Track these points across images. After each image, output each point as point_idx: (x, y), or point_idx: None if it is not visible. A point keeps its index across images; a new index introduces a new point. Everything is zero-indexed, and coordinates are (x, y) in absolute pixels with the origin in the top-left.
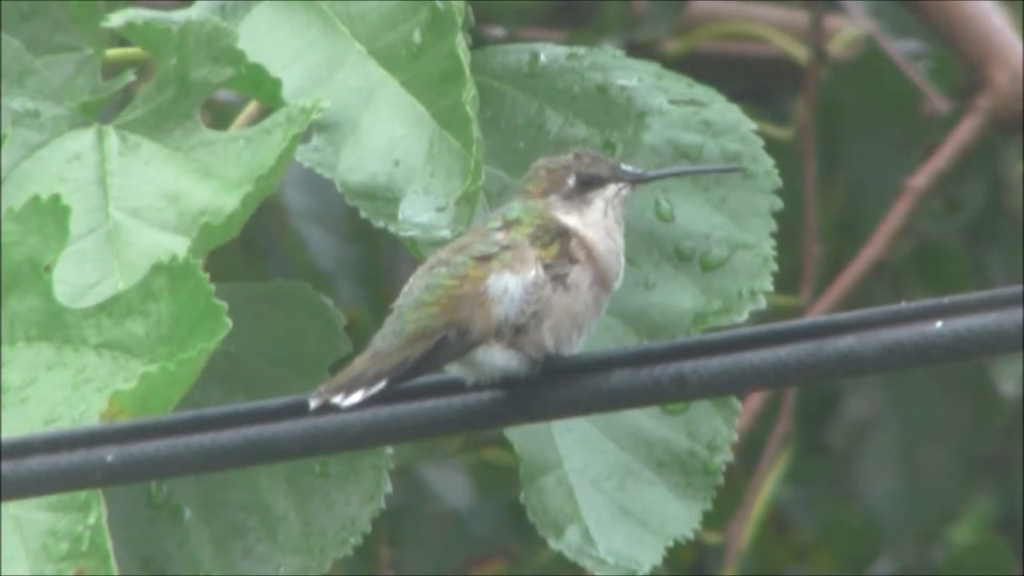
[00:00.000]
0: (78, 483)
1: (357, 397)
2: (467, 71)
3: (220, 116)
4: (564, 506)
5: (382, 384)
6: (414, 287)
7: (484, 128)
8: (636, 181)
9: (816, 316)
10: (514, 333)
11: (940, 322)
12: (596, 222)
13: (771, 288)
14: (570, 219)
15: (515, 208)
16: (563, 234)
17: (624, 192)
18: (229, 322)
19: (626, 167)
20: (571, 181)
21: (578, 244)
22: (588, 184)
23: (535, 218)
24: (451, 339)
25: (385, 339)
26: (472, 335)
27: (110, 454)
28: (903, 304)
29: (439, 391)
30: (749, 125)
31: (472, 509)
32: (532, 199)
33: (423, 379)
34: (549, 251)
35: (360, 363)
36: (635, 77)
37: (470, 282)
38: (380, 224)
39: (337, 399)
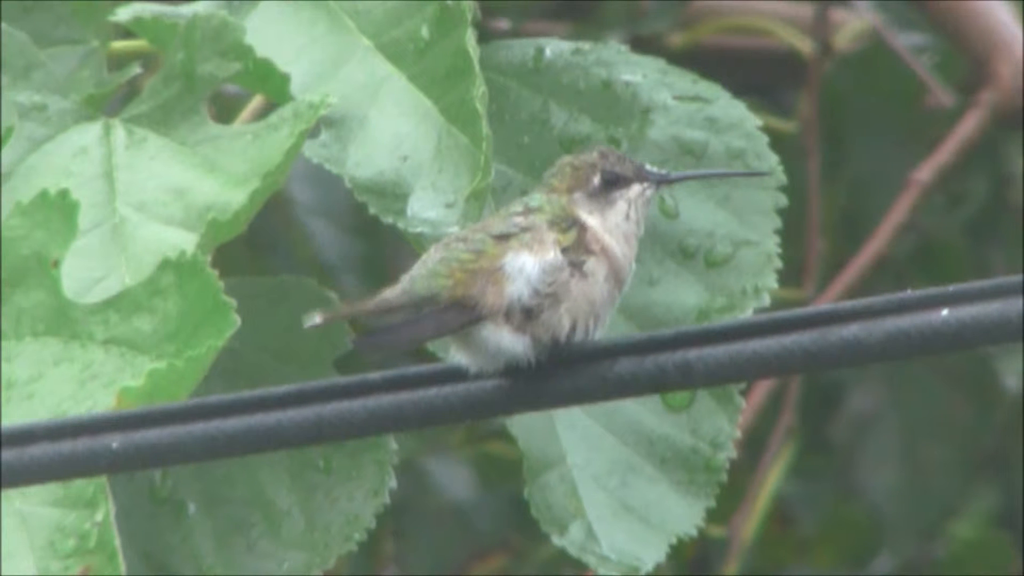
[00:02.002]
0: (83, 471)
1: (338, 318)
2: (476, 67)
3: (225, 109)
4: (567, 503)
5: (369, 309)
6: (429, 259)
7: (488, 123)
8: (661, 182)
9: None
10: (525, 317)
11: (945, 310)
12: (616, 225)
13: (775, 285)
14: (591, 218)
15: (537, 198)
16: (580, 226)
17: (648, 193)
18: (237, 319)
19: (651, 168)
20: (596, 180)
21: (593, 238)
22: (613, 183)
23: (556, 208)
24: (458, 310)
25: (393, 291)
26: (482, 310)
27: (115, 441)
28: (908, 293)
29: (442, 379)
30: (754, 122)
31: (475, 502)
32: (556, 194)
33: (426, 367)
34: (567, 236)
35: (363, 302)
36: (640, 73)
37: (487, 258)
38: (389, 220)
39: (323, 319)
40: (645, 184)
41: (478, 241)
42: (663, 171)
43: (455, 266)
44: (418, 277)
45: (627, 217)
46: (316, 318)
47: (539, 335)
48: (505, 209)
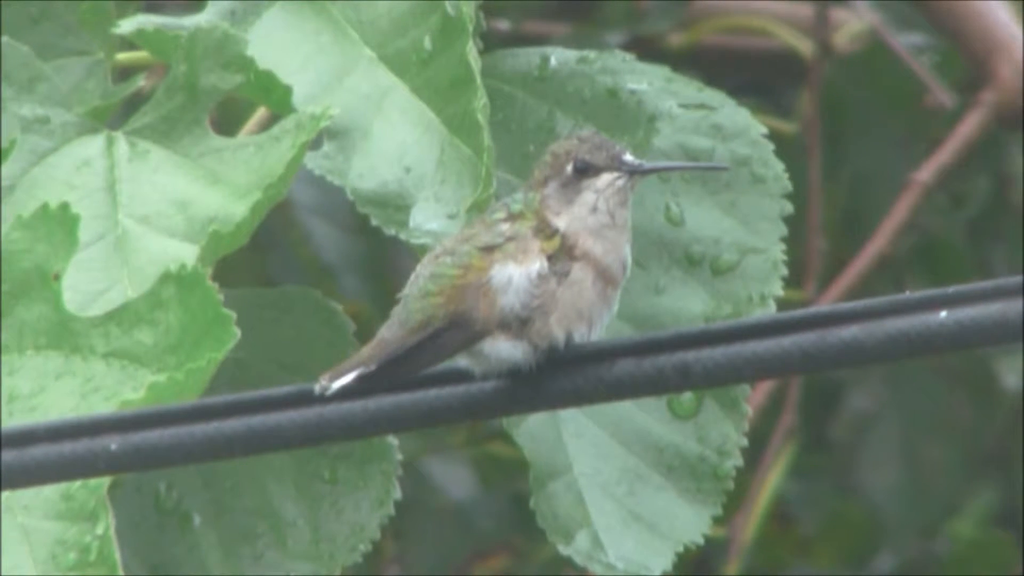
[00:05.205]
0: (82, 472)
1: (348, 379)
2: (478, 78)
3: (227, 113)
4: (574, 511)
5: (374, 367)
6: (420, 276)
7: (494, 131)
8: (633, 172)
9: (820, 306)
10: (521, 325)
11: (944, 312)
12: (582, 217)
13: (781, 293)
14: (560, 219)
15: (518, 200)
16: (560, 231)
17: (620, 183)
18: (238, 332)
19: (627, 157)
20: (569, 168)
21: (574, 242)
22: (583, 172)
23: (532, 212)
24: (454, 330)
25: (390, 328)
26: (476, 326)
27: (114, 443)
28: (907, 294)
29: (442, 381)
30: (759, 129)
31: (476, 502)
32: (533, 190)
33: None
34: (552, 242)
35: (364, 351)
36: (645, 81)
37: (474, 272)
38: (391, 232)
39: (328, 382)
40: (616, 174)
41: (464, 254)
42: (637, 161)
43: (444, 283)
44: (411, 299)
45: (594, 209)
46: (325, 382)
47: (536, 342)
48: (489, 214)
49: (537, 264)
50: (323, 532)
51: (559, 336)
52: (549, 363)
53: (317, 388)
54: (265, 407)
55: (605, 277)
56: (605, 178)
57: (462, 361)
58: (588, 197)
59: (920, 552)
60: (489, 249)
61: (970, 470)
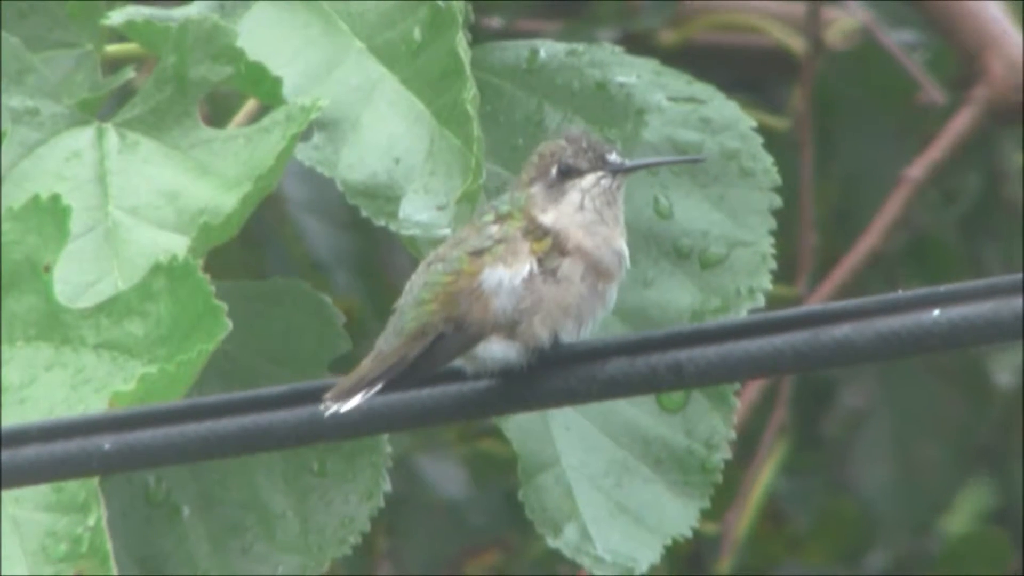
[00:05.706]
0: (75, 472)
1: (356, 400)
2: (467, 69)
3: (219, 109)
4: (562, 504)
5: (379, 386)
6: (414, 285)
7: (483, 124)
8: (616, 171)
9: (813, 305)
10: (512, 326)
11: (937, 310)
12: (569, 215)
13: (769, 286)
14: (547, 216)
15: (505, 201)
16: (547, 229)
17: (604, 182)
18: (229, 323)
19: (611, 157)
20: (553, 171)
21: (565, 237)
22: (567, 174)
23: (519, 211)
24: (450, 335)
25: (387, 340)
26: (471, 329)
27: (107, 442)
28: (900, 293)
29: (435, 380)
30: (748, 122)
31: (468, 499)
32: (519, 190)
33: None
34: (542, 244)
35: (364, 365)
36: (634, 74)
37: (465, 277)
38: (381, 223)
39: (338, 404)
40: (600, 174)
41: (455, 260)
42: (619, 160)
43: (438, 290)
44: (406, 308)
45: (581, 207)
46: (328, 402)
47: (527, 341)
48: (478, 217)
49: (527, 266)
50: (312, 524)
51: (543, 336)
52: (542, 362)
53: (324, 410)
54: (258, 407)
55: (597, 270)
56: (589, 178)
57: (456, 361)
58: (574, 196)
59: (912, 549)
60: (478, 253)
61: (963, 467)
